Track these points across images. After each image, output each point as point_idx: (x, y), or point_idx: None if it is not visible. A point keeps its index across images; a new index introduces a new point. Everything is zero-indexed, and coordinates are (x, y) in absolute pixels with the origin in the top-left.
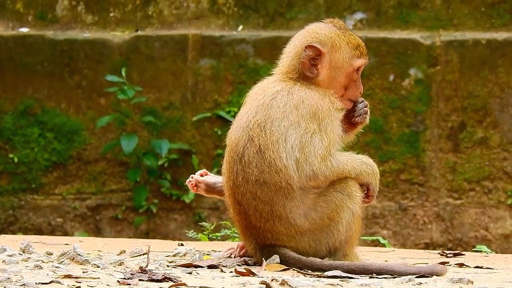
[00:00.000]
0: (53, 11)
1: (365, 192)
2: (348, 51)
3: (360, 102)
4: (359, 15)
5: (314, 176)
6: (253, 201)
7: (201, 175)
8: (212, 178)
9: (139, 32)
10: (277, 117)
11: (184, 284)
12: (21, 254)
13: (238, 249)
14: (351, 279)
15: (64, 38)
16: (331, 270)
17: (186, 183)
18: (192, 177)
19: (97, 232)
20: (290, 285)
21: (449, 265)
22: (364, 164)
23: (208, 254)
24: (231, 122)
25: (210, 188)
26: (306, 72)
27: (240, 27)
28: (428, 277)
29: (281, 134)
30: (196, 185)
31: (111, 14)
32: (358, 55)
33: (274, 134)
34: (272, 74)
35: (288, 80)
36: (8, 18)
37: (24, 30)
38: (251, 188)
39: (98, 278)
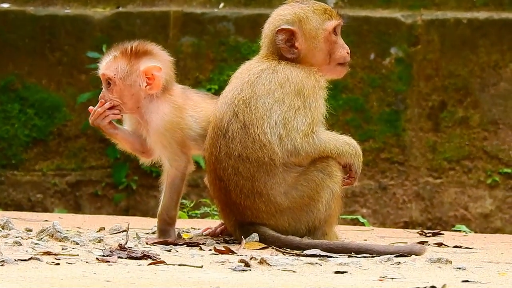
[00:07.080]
0: None
1: (348, 173)
2: (317, 18)
3: None
4: None
5: (296, 152)
6: (234, 176)
7: None
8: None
9: (120, 9)
10: (262, 94)
11: (163, 262)
12: (1, 231)
13: (218, 226)
14: (330, 258)
15: (45, 14)
16: (310, 249)
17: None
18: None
19: (77, 208)
20: (269, 264)
21: (428, 245)
22: (347, 145)
23: (187, 232)
24: None
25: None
26: (288, 55)
27: (221, 5)
28: (407, 256)
29: (266, 111)
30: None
31: None
32: (328, 18)
33: (259, 111)
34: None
35: (272, 60)
36: None
37: (5, 5)
38: (233, 164)
39: (77, 255)
